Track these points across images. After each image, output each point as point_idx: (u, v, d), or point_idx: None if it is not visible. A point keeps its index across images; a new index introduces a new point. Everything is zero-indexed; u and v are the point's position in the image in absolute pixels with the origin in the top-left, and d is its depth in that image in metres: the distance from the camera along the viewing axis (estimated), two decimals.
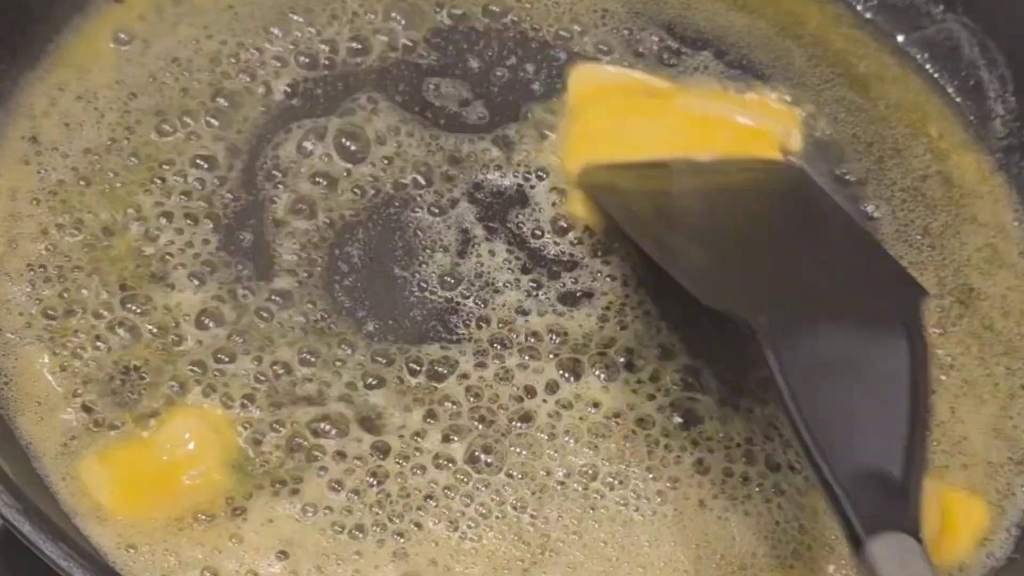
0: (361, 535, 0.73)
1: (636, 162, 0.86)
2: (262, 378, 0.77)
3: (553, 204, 0.85)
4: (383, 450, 0.76)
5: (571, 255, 0.84)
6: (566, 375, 0.79)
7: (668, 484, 0.77)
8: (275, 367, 0.77)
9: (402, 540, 0.73)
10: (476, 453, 0.76)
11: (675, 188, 0.86)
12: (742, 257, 0.80)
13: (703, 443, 0.78)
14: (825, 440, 0.67)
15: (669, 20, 0.96)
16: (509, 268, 0.83)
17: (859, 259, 0.81)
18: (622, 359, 0.80)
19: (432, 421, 0.77)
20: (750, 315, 0.72)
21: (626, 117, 0.89)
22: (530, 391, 0.78)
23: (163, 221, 0.81)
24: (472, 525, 0.74)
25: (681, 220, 0.84)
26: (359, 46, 0.90)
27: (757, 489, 0.77)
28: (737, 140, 0.88)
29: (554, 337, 0.80)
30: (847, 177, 0.91)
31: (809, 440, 0.68)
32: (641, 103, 0.90)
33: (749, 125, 0.88)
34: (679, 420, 0.79)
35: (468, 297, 0.81)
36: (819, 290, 0.77)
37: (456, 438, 0.76)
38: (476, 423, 0.77)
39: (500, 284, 0.82)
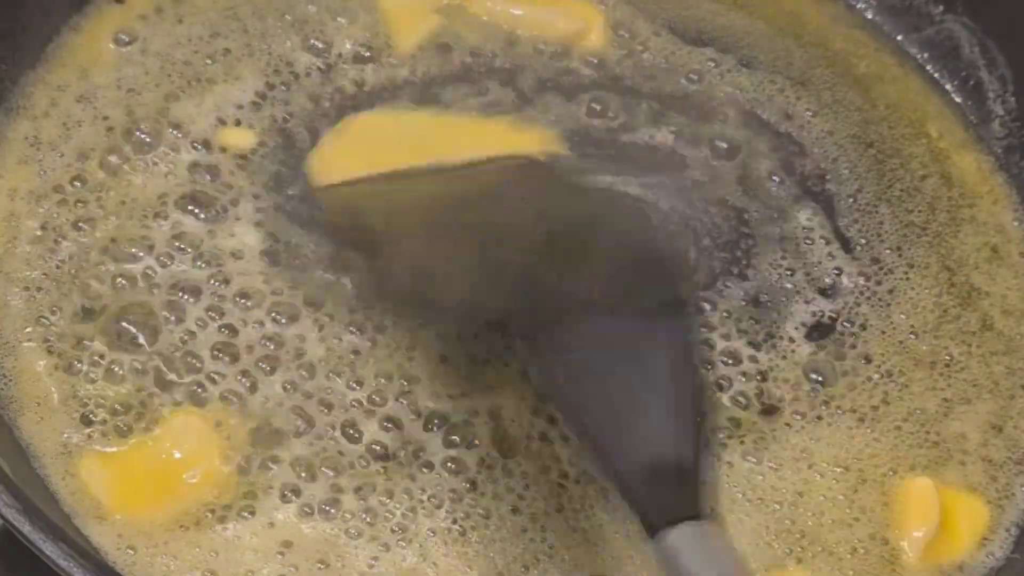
0: (362, 536, 0.73)
1: (380, 174, 0.82)
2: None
3: None
4: (382, 456, 0.76)
5: None
6: None
7: None
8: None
9: (402, 540, 0.73)
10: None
11: (423, 198, 0.82)
12: (495, 264, 0.76)
13: None
14: (607, 436, 0.67)
15: (669, 20, 0.96)
16: None
17: (616, 249, 0.77)
18: None
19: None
20: (510, 323, 0.72)
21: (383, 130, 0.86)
22: None
23: (166, 221, 0.81)
24: (475, 527, 0.74)
25: (430, 230, 0.80)
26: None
27: None
28: (494, 141, 0.85)
29: None
30: (846, 176, 0.91)
31: (591, 435, 0.68)
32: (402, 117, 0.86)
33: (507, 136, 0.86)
34: None
35: None
36: (577, 287, 0.74)
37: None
38: None
39: None
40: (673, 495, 0.66)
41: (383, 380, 0.77)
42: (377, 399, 0.77)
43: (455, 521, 0.74)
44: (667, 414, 0.69)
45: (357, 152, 0.84)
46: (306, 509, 0.73)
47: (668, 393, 0.69)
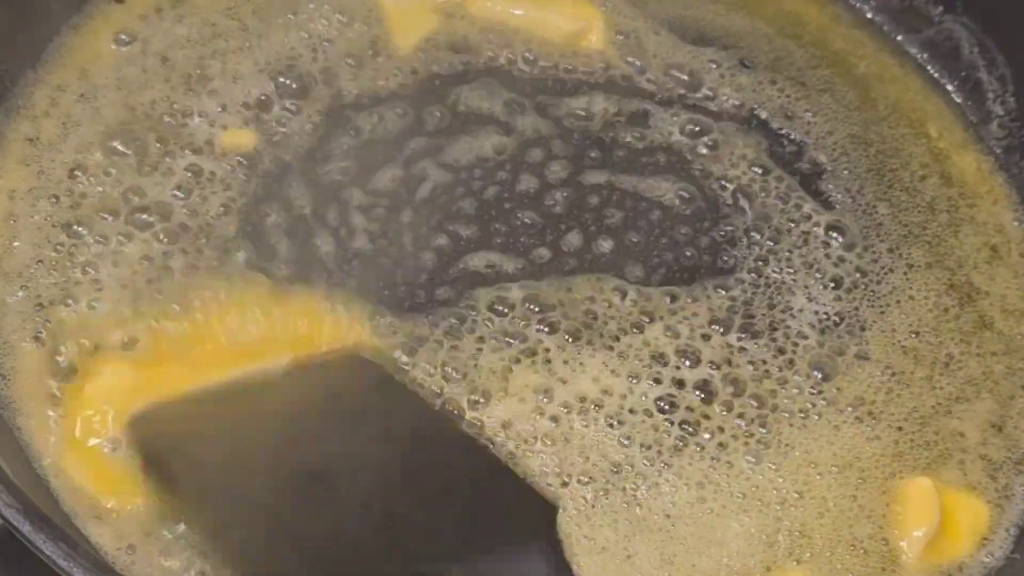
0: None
1: (195, 391, 0.75)
2: None
3: None
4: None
5: None
6: None
7: None
8: None
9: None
10: None
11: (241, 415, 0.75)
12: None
13: None
14: None
15: (669, 20, 0.96)
16: None
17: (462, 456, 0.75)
18: None
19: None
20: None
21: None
22: None
23: (164, 222, 0.81)
24: None
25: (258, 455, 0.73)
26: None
27: None
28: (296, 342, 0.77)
29: None
30: (845, 174, 0.91)
31: None
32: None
33: None
34: None
35: None
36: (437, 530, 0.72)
37: None
38: None
39: None
40: None
41: None
42: None
43: None
44: None
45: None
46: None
47: None
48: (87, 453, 0.74)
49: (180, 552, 0.71)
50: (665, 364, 0.81)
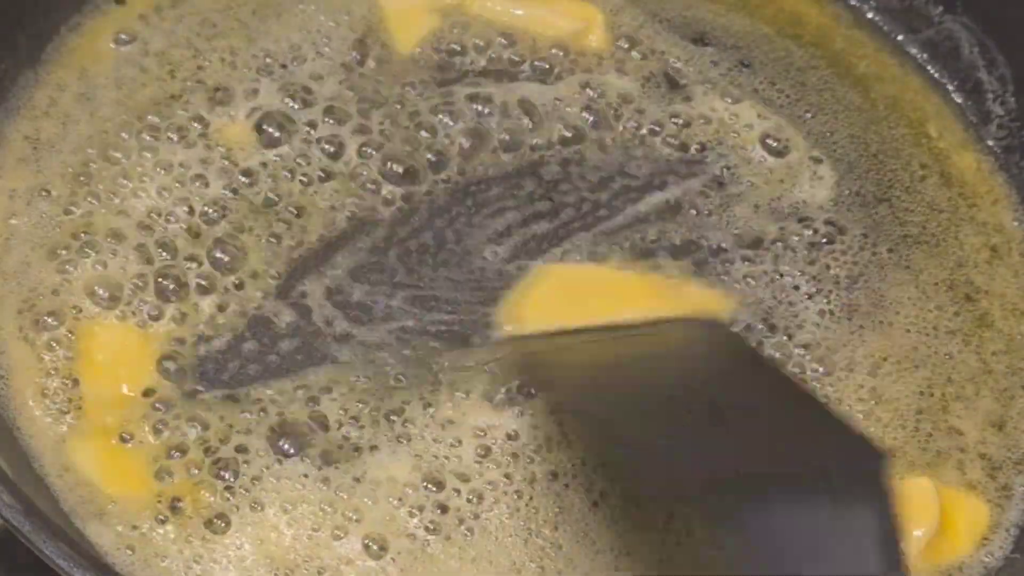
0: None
1: (565, 330, 0.81)
2: None
3: None
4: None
5: None
6: None
7: None
8: None
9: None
10: None
11: (607, 358, 0.81)
12: (678, 431, 0.73)
13: None
14: None
15: (670, 19, 0.96)
16: None
17: (808, 422, 0.73)
18: None
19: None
20: (696, 498, 0.69)
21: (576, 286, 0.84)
22: None
23: (163, 222, 0.81)
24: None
25: (615, 393, 0.77)
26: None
27: None
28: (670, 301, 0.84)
29: None
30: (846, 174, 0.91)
31: None
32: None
33: None
34: None
35: None
36: (766, 461, 0.69)
37: None
38: None
39: None
40: None
41: None
42: None
43: None
44: None
45: (548, 305, 0.82)
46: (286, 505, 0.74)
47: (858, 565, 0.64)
48: (97, 442, 0.74)
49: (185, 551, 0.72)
50: None
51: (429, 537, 0.74)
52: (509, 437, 0.77)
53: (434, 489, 0.75)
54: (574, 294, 0.83)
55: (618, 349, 0.80)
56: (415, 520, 0.74)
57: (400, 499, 0.74)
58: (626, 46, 0.94)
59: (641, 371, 0.78)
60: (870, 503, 0.65)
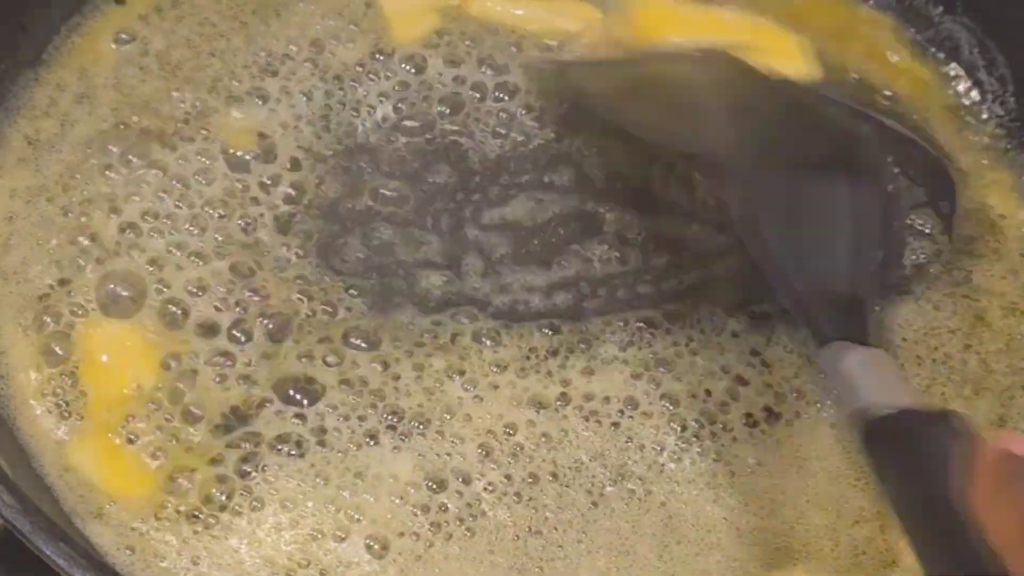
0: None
1: (603, 60, 0.91)
2: None
3: None
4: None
5: None
6: None
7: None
8: None
9: None
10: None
11: (637, 78, 0.89)
12: (708, 119, 0.83)
13: None
14: (792, 262, 0.75)
15: None
16: None
17: (813, 115, 0.86)
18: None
19: None
20: (722, 155, 0.79)
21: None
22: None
23: (163, 222, 0.81)
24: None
25: (649, 101, 0.87)
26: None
27: None
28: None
29: None
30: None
31: (777, 260, 0.76)
32: None
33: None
34: None
35: None
36: (782, 140, 0.81)
37: None
38: None
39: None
40: (845, 320, 0.73)
41: None
42: None
43: None
44: (851, 250, 0.77)
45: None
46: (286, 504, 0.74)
47: (854, 232, 0.77)
48: (98, 442, 0.74)
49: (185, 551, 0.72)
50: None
51: (432, 537, 0.74)
52: (509, 434, 0.77)
53: (436, 488, 0.75)
54: None
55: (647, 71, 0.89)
56: (418, 519, 0.74)
57: (402, 498, 0.75)
58: (624, 46, 0.94)
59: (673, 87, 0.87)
60: (865, 166, 0.82)
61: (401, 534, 0.74)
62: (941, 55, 0.98)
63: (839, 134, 0.84)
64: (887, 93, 0.96)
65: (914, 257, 0.88)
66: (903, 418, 0.65)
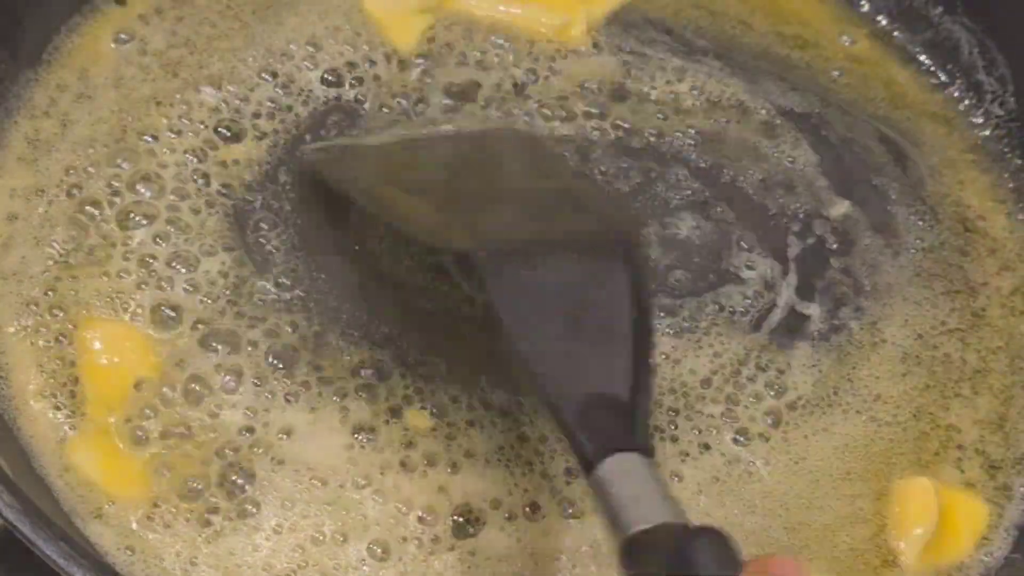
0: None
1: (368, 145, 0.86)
2: None
3: None
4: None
5: None
6: None
7: None
8: None
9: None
10: None
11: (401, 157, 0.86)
12: (460, 202, 0.79)
13: None
14: (550, 368, 0.68)
15: (666, 19, 0.96)
16: None
17: (575, 197, 0.82)
18: None
19: None
20: (471, 249, 0.74)
21: None
22: None
23: (163, 222, 0.81)
24: None
25: (403, 178, 0.84)
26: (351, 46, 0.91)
27: None
28: None
29: None
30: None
31: (534, 368, 0.68)
32: None
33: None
34: None
35: None
36: (537, 226, 0.76)
37: None
38: None
39: None
40: (609, 428, 0.65)
41: None
42: None
43: None
44: (623, 350, 0.69)
45: None
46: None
47: (624, 329, 0.69)
48: (98, 442, 0.74)
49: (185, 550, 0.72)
50: None
51: (433, 545, 0.74)
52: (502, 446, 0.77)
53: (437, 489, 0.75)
54: None
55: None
56: (420, 526, 0.74)
57: (406, 503, 0.75)
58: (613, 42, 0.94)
59: (433, 157, 0.85)
60: (626, 256, 0.72)
61: (403, 539, 0.74)
62: (940, 55, 0.98)
63: (607, 222, 0.79)
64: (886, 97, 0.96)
65: (911, 254, 0.88)
66: (660, 533, 0.60)
